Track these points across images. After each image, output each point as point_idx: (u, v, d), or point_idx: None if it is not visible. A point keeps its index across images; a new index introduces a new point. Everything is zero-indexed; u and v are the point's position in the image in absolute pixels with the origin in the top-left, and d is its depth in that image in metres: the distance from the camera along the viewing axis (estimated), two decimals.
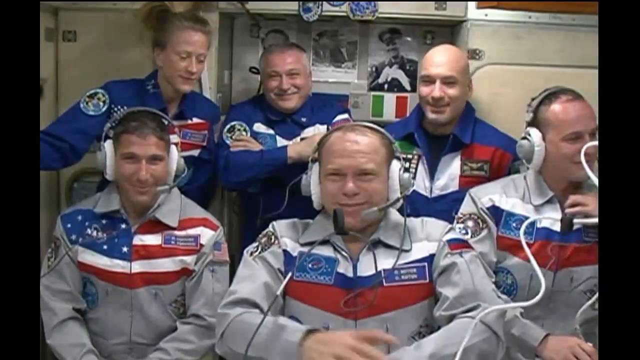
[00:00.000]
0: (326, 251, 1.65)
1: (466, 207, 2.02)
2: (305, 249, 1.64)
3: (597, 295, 1.64)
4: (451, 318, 1.53)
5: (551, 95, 1.94)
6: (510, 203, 1.97)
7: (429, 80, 2.25)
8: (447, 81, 2.23)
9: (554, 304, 1.90)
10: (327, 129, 2.39)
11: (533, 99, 1.99)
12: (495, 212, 1.97)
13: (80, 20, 2.55)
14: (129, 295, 2.00)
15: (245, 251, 1.72)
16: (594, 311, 1.68)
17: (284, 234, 1.71)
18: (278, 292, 1.54)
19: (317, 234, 1.66)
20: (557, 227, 1.89)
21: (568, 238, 1.88)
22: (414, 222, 1.72)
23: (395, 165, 1.68)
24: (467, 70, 2.32)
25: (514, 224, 1.94)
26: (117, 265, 1.99)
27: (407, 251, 1.64)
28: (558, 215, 1.91)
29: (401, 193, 1.66)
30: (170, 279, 2.03)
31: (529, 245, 1.89)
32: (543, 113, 1.94)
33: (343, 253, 1.64)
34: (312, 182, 1.71)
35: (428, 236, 1.67)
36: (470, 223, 1.98)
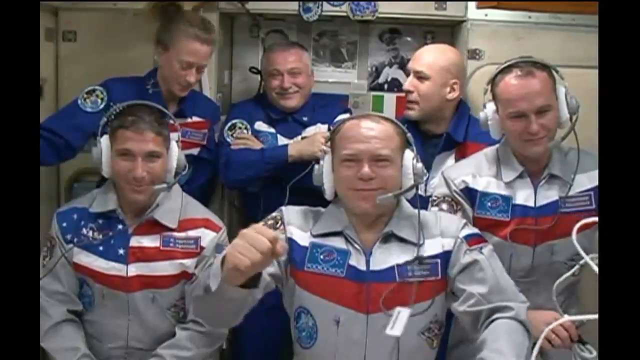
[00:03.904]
0: (339, 243, 1.65)
1: (440, 188, 2.00)
2: (319, 240, 1.65)
3: (578, 265, 1.66)
4: (477, 314, 1.56)
5: (506, 69, 1.88)
6: (484, 182, 1.94)
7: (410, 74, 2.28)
8: (418, 76, 2.23)
9: (535, 276, 1.90)
10: (329, 128, 2.39)
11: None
12: (469, 193, 1.94)
13: (80, 20, 2.56)
14: (125, 299, 1.93)
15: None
16: (572, 277, 1.72)
17: (293, 221, 1.69)
18: None
19: (330, 225, 1.66)
20: (531, 203, 1.89)
21: (545, 212, 1.85)
22: (428, 215, 1.72)
23: (409, 154, 1.67)
24: (448, 71, 2.24)
25: (489, 204, 1.92)
26: (112, 268, 1.91)
27: (419, 246, 1.64)
28: (530, 189, 1.90)
29: (414, 182, 1.65)
30: (168, 283, 1.95)
31: (506, 224, 1.90)
32: (495, 87, 1.90)
33: (356, 245, 1.64)
34: (325, 171, 1.69)
35: (442, 232, 1.67)
36: (444, 206, 1.95)
